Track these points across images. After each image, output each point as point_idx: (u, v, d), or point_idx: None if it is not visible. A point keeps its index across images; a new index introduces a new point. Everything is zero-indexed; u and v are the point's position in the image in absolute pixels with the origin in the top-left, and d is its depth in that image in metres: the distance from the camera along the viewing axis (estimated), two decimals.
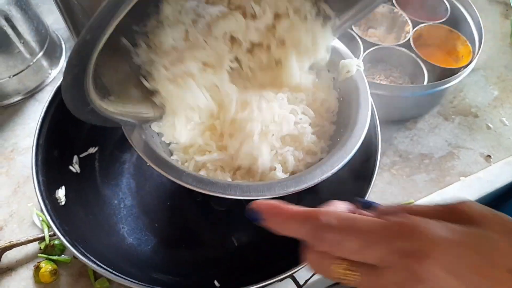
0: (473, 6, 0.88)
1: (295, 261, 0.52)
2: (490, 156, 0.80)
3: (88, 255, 0.50)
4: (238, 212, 0.66)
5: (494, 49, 0.98)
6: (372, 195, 0.60)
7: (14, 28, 0.76)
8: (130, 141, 0.51)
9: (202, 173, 0.57)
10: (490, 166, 0.78)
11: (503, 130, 0.84)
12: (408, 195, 0.74)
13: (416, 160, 0.79)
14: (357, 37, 0.83)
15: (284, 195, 0.49)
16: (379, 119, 0.64)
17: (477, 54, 0.81)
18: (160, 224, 0.66)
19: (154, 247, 0.63)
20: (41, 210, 0.53)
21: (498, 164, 0.78)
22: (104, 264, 0.51)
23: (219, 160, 0.57)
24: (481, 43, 0.83)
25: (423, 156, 0.79)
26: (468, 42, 0.85)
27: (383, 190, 0.75)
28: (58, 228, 0.52)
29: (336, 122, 0.64)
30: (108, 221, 0.63)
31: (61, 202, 0.59)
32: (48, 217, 0.52)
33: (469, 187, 0.75)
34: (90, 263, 0.48)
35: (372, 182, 0.56)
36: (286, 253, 0.59)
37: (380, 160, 0.63)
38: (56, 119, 0.63)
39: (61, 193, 0.60)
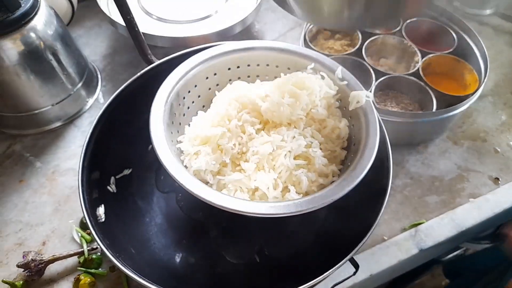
0: (479, 37, 0.93)
1: (313, 275, 0.56)
2: (498, 179, 0.84)
3: (126, 265, 0.56)
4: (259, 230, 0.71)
5: (500, 76, 1.03)
6: (385, 216, 0.64)
7: (59, 62, 0.85)
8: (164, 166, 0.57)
9: (224, 192, 0.63)
10: (498, 188, 0.82)
11: (510, 154, 0.88)
12: (419, 216, 0.78)
13: (427, 182, 0.83)
14: (369, 67, 0.90)
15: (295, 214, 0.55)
16: (391, 143, 0.69)
17: (483, 82, 0.86)
18: (187, 240, 0.71)
19: (184, 258, 0.68)
20: (87, 225, 0.59)
21: (506, 186, 0.82)
22: (139, 273, 0.57)
23: (238, 181, 0.63)
24: (487, 72, 0.88)
25: (433, 178, 0.84)
26: (474, 71, 0.90)
27: (396, 210, 0.79)
28: (102, 241, 0.58)
29: (347, 148, 0.69)
30: (141, 237, 0.69)
31: (101, 219, 0.66)
32: (93, 232, 0.58)
33: (478, 208, 0.79)
34: (129, 273, 0.54)
35: (385, 202, 0.61)
36: (304, 269, 0.65)
37: (392, 182, 0.68)
38: (98, 143, 0.70)
39: (101, 210, 0.66)
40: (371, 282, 0.73)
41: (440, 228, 0.75)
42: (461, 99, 0.85)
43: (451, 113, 0.81)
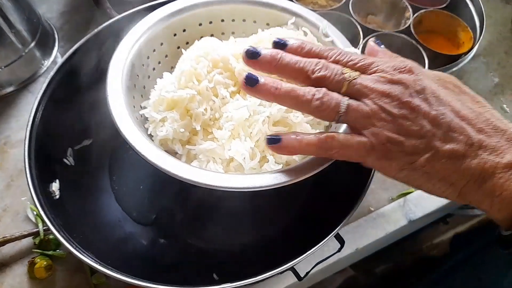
0: None
1: (296, 253, 0.51)
2: None
3: (84, 250, 0.49)
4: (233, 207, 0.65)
5: (494, 35, 0.96)
6: (372, 185, 0.59)
7: (4, 17, 0.74)
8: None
9: (195, 164, 0.56)
10: None
11: (504, 117, 0.82)
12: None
13: None
14: (357, 24, 0.82)
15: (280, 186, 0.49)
16: None
17: (479, 40, 0.80)
18: (158, 216, 0.65)
19: (152, 240, 0.62)
20: (35, 204, 0.51)
21: None
22: (100, 259, 0.50)
23: (210, 150, 0.56)
24: (483, 29, 0.81)
25: None
26: (469, 28, 0.83)
27: (383, 179, 0.73)
28: (52, 223, 0.51)
29: None
30: (104, 215, 0.62)
31: (56, 196, 0.58)
32: (42, 211, 0.51)
33: None
34: (85, 259, 0.48)
35: (373, 172, 0.55)
36: (286, 246, 0.59)
37: None
38: (49, 110, 0.62)
39: (55, 186, 0.59)
40: (357, 255, 0.69)
41: (430, 197, 0.69)
42: (454, 59, 0.79)
43: None
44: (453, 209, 0.75)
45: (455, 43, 0.86)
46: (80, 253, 0.48)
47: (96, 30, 0.66)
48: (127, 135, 0.52)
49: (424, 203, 0.70)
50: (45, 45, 0.86)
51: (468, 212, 1.22)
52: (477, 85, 0.88)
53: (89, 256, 0.49)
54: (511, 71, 0.90)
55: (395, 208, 0.69)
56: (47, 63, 0.87)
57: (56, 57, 0.88)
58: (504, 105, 0.85)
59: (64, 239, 0.49)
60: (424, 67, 0.77)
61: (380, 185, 0.73)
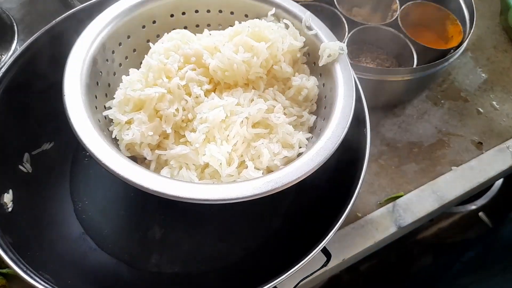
0: None
1: (280, 269, 0.46)
2: (481, 143, 0.76)
3: (34, 271, 0.43)
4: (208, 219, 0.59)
5: (483, 29, 0.93)
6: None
7: None
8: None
9: (165, 171, 0.50)
10: (483, 154, 0.74)
11: (494, 114, 0.80)
12: (397, 187, 0.69)
13: (405, 149, 0.74)
14: (341, 16, 0.77)
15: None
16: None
17: (469, 34, 0.76)
18: (124, 237, 0.58)
19: (115, 266, 0.55)
20: None
21: (490, 152, 0.74)
22: (56, 280, 0.44)
23: (182, 156, 0.50)
24: (473, 22, 0.77)
25: (412, 144, 0.74)
26: (458, 21, 0.79)
27: (370, 182, 0.70)
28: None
29: (316, 112, 0.58)
30: (62, 231, 0.56)
31: (8, 208, 0.52)
32: None
33: (461, 177, 0.70)
34: (33, 282, 0.41)
35: (360, 181, 0.50)
36: (270, 263, 0.54)
37: None
38: (3, 111, 0.55)
39: (7, 198, 0.52)
40: (344, 265, 0.64)
41: (420, 201, 0.67)
42: (443, 53, 0.75)
43: (434, 69, 0.71)
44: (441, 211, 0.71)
45: (443, 36, 0.82)
46: (30, 275, 0.42)
47: (53, 22, 0.59)
48: (85, 141, 0.45)
49: (413, 208, 0.66)
50: (2, 38, 0.79)
51: (452, 209, 1.20)
52: (466, 81, 0.85)
53: (41, 277, 0.43)
54: (500, 67, 0.87)
55: (384, 214, 0.65)
56: (5, 57, 0.79)
57: (15, 51, 0.80)
58: (494, 102, 0.82)
59: (11, 260, 0.43)
60: (413, 62, 0.73)
61: (367, 189, 0.68)
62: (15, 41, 0.81)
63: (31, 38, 0.59)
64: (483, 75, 0.86)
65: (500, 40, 0.91)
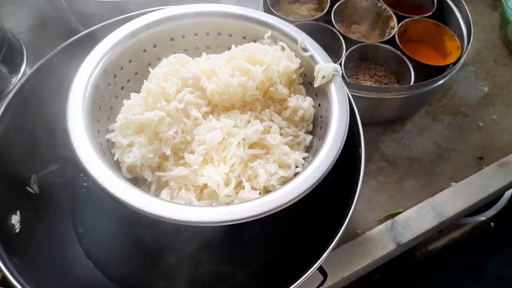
0: None
1: None
2: (482, 158, 0.76)
3: None
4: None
5: (482, 42, 0.94)
6: (358, 205, 0.55)
7: None
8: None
9: (165, 192, 0.52)
10: (483, 169, 0.74)
11: (494, 129, 0.80)
12: (396, 204, 0.70)
13: (404, 165, 0.74)
14: (339, 35, 0.78)
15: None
16: (364, 122, 0.58)
17: (466, 50, 0.76)
18: (121, 254, 0.60)
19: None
20: None
21: (490, 167, 0.74)
22: None
23: (182, 177, 0.51)
24: (470, 37, 0.78)
25: (411, 160, 0.75)
26: (456, 37, 0.80)
27: (370, 198, 0.70)
28: (5, 263, 0.46)
29: (312, 131, 0.59)
30: (67, 251, 0.57)
31: (16, 230, 0.53)
32: None
33: (461, 193, 0.70)
34: None
35: (355, 201, 0.51)
36: (266, 283, 0.55)
37: (366, 167, 0.59)
38: (12, 132, 0.57)
39: (15, 219, 0.54)
40: (343, 282, 0.65)
41: (419, 218, 0.67)
42: (441, 69, 0.76)
43: (430, 87, 0.72)
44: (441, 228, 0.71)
45: (442, 52, 0.83)
46: None
47: (59, 48, 0.62)
48: (86, 166, 0.47)
49: (412, 225, 0.66)
50: (12, 61, 0.82)
51: (461, 221, 1.20)
52: (466, 96, 0.85)
53: None
54: (500, 81, 0.87)
55: (382, 232, 0.65)
56: (15, 80, 0.82)
57: (25, 73, 0.84)
58: (494, 116, 0.82)
59: (17, 281, 0.44)
60: (410, 79, 0.73)
61: (366, 205, 0.69)
62: (24, 64, 0.85)
63: (38, 63, 0.61)
64: (483, 89, 0.86)
65: (500, 53, 0.92)
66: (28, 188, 0.59)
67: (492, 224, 1.24)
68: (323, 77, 0.56)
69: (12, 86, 0.81)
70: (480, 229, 1.24)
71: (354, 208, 0.50)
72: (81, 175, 0.66)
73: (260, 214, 0.45)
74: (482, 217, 1.26)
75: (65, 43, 0.63)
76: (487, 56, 0.91)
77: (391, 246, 0.64)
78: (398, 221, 0.67)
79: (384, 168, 0.74)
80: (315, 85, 0.57)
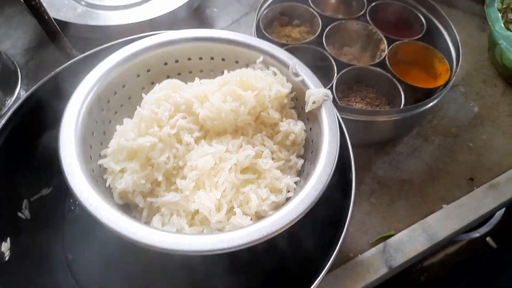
0: (449, 20, 0.85)
1: None
2: (472, 179, 0.76)
3: None
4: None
5: (472, 63, 0.95)
6: (350, 228, 0.55)
7: None
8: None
9: (156, 219, 0.52)
10: (473, 190, 0.74)
11: (484, 150, 0.81)
12: (388, 226, 0.70)
13: (396, 186, 0.75)
14: (331, 58, 0.79)
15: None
16: (355, 144, 0.59)
17: (455, 72, 0.78)
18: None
19: None
20: None
21: (481, 189, 0.74)
22: None
23: (174, 203, 0.52)
24: (459, 60, 0.79)
25: (403, 182, 0.75)
26: (445, 59, 0.82)
27: (362, 221, 0.70)
28: None
29: (304, 155, 0.59)
30: (56, 278, 0.57)
31: (5, 257, 0.53)
32: None
33: (452, 215, 0.71)
34: None
35: (346, 226, 0.51)
36: None
37: (357, 189, 0.59)
38: (4, 158, 0.57)
39: (5, 247, 0.54)
40: None
41: (411, 241, 0.67)
42: (431, 92, 0.77)
43: (421, 109, 0.73)
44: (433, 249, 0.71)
45: (432, 74, 0.84)
46: None
47: (53, 73, 0.62)
48: (77, 194, 0.47)
49: (404, 248, 0.66)
50: (6, 84, 0.82)
51: (458, 238, 1.20)
52: (456, 116, 0.86)
53: None
54: (490, 101, 0.89)
55: (374, 255, 0.65)
56: (9, 102, 0.82)
57: (19, 96, 0.84)
58: (484, 137, 0.83)
59: None
60: (401, 101, 0.75)
61: (359, 228, 0.69)
62: (19, 86, 0.85)
63: (33, 88, 0.61)
64: (473, 109, 0.87)
65: (489, 74, 0.93)
66: (20, 214, 0.59)
67: (487, 239, 1.24)
68: (314, 102, 0.57)
69: (6, 109, 0.82)
70: (475, 245, 1.24)
71: (346, 231, 0.50)
72: (71, 200, 0.66)
73: (250, 242, 0.46)
74: (476, 234, 1.26)
75: (58, 69, 0.63)
76: (476, 77, 0.93)
77: (383, 270, 0.64)
78: (390, 244, 0.67)
79: (376, 189, 0.74)
80: (306, 110, 0.58)
